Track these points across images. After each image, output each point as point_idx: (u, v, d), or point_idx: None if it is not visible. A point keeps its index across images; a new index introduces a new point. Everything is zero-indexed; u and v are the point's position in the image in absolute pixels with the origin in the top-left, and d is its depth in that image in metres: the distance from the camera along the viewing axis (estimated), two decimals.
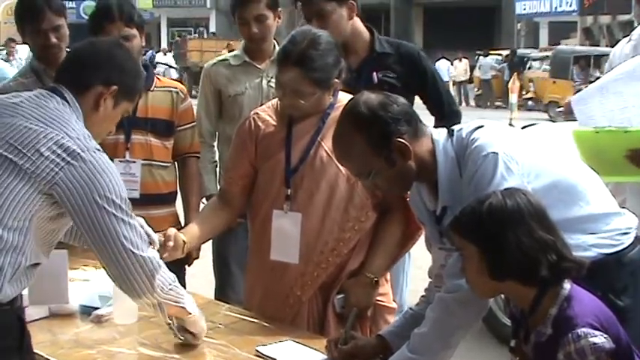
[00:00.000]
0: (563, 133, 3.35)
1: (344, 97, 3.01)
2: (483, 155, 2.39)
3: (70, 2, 40.74)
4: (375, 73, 3.64)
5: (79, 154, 2.27)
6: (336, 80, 3.01)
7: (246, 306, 3.23)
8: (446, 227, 2.27)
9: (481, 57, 26.63)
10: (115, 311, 2.95)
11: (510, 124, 9.28)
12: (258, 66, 4.04)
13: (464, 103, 25.92)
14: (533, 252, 2.11)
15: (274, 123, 3.12)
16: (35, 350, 2.54)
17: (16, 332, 2.36)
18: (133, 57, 2.63)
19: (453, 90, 27.69)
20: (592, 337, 2.00)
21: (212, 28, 36.76)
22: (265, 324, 2.96)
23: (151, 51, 28.86)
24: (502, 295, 2.79)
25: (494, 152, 2.38)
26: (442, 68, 27.47)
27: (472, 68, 27.24)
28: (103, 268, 2.43)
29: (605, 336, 2.02)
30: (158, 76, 3.92)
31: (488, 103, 25.83)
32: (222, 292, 4.08)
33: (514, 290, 2.19)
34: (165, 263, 2.86)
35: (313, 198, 3.01)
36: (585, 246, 2.48)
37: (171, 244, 2.94)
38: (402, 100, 2.56)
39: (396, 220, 3.06)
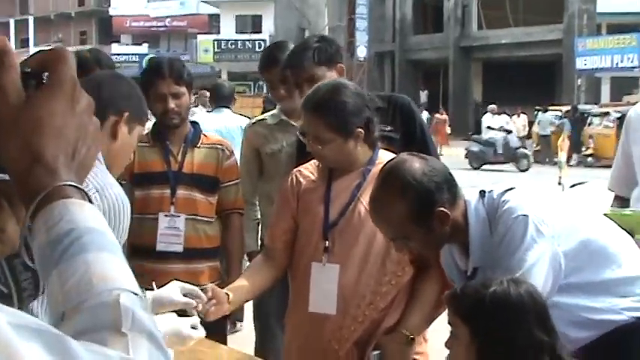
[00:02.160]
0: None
1: (385, 155, 3.09)
2: (514, 217, 2.40)
3: (134, 57, 41.84)
4: None
5: (97, 192, 2.28)
6: (359, 129, 3.05)
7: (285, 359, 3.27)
8: (445, 296, 2.26)
9: (540, 112, 26.53)
10: None
11: (559, 183, 9.29)
12: (294, 123, 4.11)
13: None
14: (527, 351, 2.06)
15: (314, 179, 3.20)
16: None
17: None
18: (132, 83, 2.72)
19: None
20: None
21: None
22: None
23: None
24: None
25: (524, 215, 2.40)
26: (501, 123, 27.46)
27: (531, 124, 27.12)
28: None
29: None
30: (205, 134, 4.01)
31: (547, 159, 25.66)
32: (262, 348, 4.11)
33: None
34: (211, 321, 2.93)
35: (351, 251, 3.06)
36: (617, 309, 2.47)
37: (209, 295, 2.96)
38: (440, 164, 2.59)
39: (434, 278, 3.06)
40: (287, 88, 4.00)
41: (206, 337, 3.29)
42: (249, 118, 6.52)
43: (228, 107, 7.41)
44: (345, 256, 3.07)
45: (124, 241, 2.41)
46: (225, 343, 3.83)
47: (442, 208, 2.47)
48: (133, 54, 43.57)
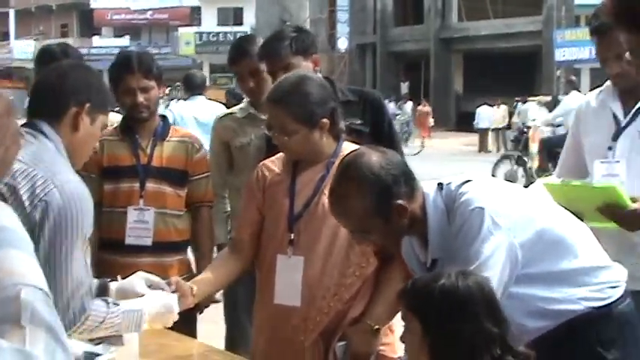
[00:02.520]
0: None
1: (349, 147, 3.11)
2: (470, 209, 2.43)
3: (115, 49, 41.60)
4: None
5: (55, 187, 2.32)
6: (324, 120, 3.08)
7: (253, 351, 3.30)
8: (398, 291, 2.28)
9: (519, 103, 26.60)
10: (117, 357, 3.00)
11: (531, 175, 9.35)
12: (263, 117, 4.11)
13: (502, 149, 25.81)
14: (476, 343, 2.09)
15: (280, 172, 3.24)
16: None
17: None
18: (94, 72, 2.70)
19: (491, 136, 27.66)
20: None
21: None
22: None
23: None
24: None
25: (480, 207, 2.42)
26: (483, 114, 27.47)
27: (511, 115, 27.19)
28: None
29: None
30: (174, 127, 4.01)
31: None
32: (232, 340, 4.13)
33: None
34: (179, 313, 2.93)
35: (315, 243, 3.09)
36: (574, 299, 2.51)
37: (172, 288, 2.99)
38: (398, 157, 2.62)
39: (398, 269, 3.08)
40: (256, 81, 4.01)
41: (176, 330, 3.33)
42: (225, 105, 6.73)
43: (201, 94, 7.89)
44: (310, 249, 3.10)
45: (90, 234, 2.42)
46: (194, 335, 3.86)
47: (400, 201, 2.49)
48: (114, 47, 43.14)
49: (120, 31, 48.04)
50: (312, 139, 3.10)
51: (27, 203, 2.28)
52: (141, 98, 3.79)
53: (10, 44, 49.26)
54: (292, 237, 3.13)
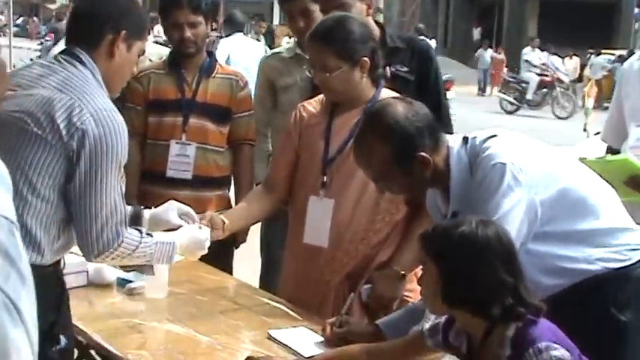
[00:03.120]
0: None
1: (387, 94, 3.14)
2: (492, 165, 2.43)
3: None
4: (387, 68, 3.69)
5: (91, 116, 2.36)
6: (365, 59, 3.11)
7: (282, 289, 3.37)
8: (418, 235, 2.30)
9: (592, 56, 26.00)
10: (146, 285, 3.11)
11: (584, 129, 9.14)
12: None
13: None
14: (489, 290, 2.11)
15: (317, 114, 3.28)
16: None
17: (55, 294, 2.52)
18: None
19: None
20: (553, 349, 2.03)
21: (275, 20, 36.33)
22: (287, 309, 3.07)
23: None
24: None
25: (502, 162, 2.42)
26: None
27: (583, 67, 26.62)
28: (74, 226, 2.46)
29: (565, 350, 2.05)
30: (219, 64, 4.05)
31: (596, 104, 25.20)
32: (267, 277, 4.20)
33: (463, 318, 2.22)
34: (215, 246, 3.04)
35: (347, 187, 3.14)
36: (591, 259, 2.50)
37: (205, 222, 3.07)
38: (425, 109, 2.62)
39: (427, 217, 3.11)
40: (306, 21, 4.00)
41: (211, 263, 3.42)
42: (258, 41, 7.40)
43: (241, 31, 8.91)
44: (341, 192, 3.15)
45: (125, 161, 2.47)
46: (230, 270, 3.95)
47: (423, 153, 2.50)
48: None
49: None
50: (353, 78, 3.12)
51: (64, 132, 2.34)
52: (188, 33, 3.83)
53: None
54: (325, 179, 3.18)
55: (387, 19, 30.45)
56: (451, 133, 2.82)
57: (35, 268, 2.38)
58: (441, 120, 3.78)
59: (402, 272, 3.09)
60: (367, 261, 3.17)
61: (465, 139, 2.57)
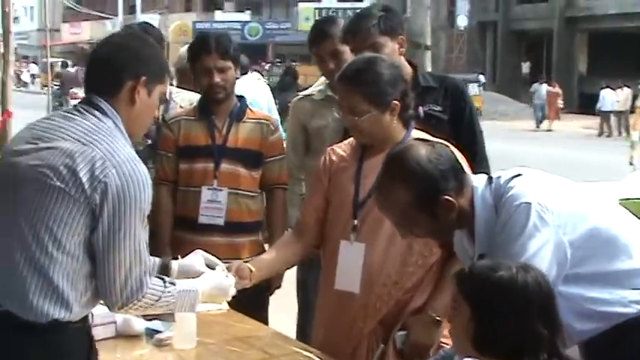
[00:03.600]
0: None
1: (417, 135, 3.08)
2: (516, 205, 2.35)
3: (236, 24, 42.23)
4: (420, 108, 3.62)
5: (114, 168, 2.32)
6: (395, 102, 3.04)
7: (315, 336, 3.31)
8: (454, 272, 2.22)
9: None
10: (174, 336, 3.06)
11: (631, 163, 8.93)
12: None
13: (624, 133, 24.95)
14: (524, 342, 2.02)
15: (348, 158, 3.22)
16: None
17: (85, 350, 2.47)
18: (149, 42, 2.64)
19: (613, 121, 26.74)
20: None
21: None
22: (318, 358, 2.99)
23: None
24: None
25: (527, 202, 2.34)
26: (607, 97, 26.57)
27: (635, 98, 26.22)
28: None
29: None
30: (250, 108, 4.03)
31: None
32: (304, 325, 4.13)
33: None
34: (248, 292, 3.04)
35: (378, 231, 3.07)
36: (625, 302, 2.40)
37: (231, 272, 3.02)
38: (448, 151, 2.55)
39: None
40: (336, 63, 3.96)
41: (246, 312, 3.37)
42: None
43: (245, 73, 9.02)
44: (373, 235, 3.08)
45: (148, 211, 2.41)
46: (265, 319, 3.89)
47: (447, 197, 2.43)
48: (235, 21, 43.87)
49: (241, 5, 48.49)
50: (383, 122, 3.07)
51: (87, 185, 2.29)
52: (217, 79, 3.82)
53: (137, 18, 50.46)
54: (356, 223, 3.12)
55: (435, 55, 30.46)
56: (488, 172, 2.73)
57: (64, 325, 2.38)
58: (477, 158, 3.73)
59: (438, 318, 3.00)
60: (401, 306, 3.08)
61: (490, 179, 2.49)
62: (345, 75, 3.10)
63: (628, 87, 26.60)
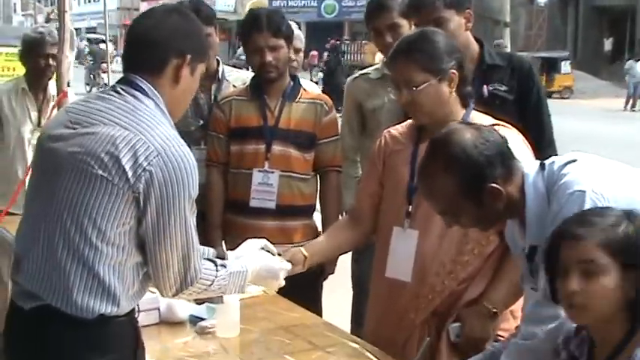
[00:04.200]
0: None
1: (477, 117, 2.92)
2: (569, 193, 2.18)
3: (312, 1, 42.04)
4: (485, 87, 3.43)
5: (158, 153, 2.19)
6: (453, 71, 2.89)
7: (366, 326, 3.20)
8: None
9: None
10: (218, 324, 2.98)
11: None
12: None
13: None
14: None
15: (404, 141, 3.08)
16: None
17: (131, 343, 2.38)
18: (191, 18, 2.46)
19: None
20: None
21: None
22: (365, 350, 2.87)
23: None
24: None
25: (581, 190, 2.17)
26: None
27: None
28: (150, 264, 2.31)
29: None
30: (304, 88, 3.90)
31: None
32: (359, 314, 4.01)
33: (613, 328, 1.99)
34: (300, 278, 2.97)
35: (432, 217, 2.84)
36: None
37: (285, 258, 2.95)
38: (496, 135, 2.38)
39: None
40: (394, 37, 3.80)
41: (298, 297, 3.28)
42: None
43: None
44: (427, 222, 2.93)
45: (196, 194, 2.28)
46: (318, 305, 3.80)
47: (494, 184, 2.27)
48: None
49: None
50: (441, 93, 2.90)
51: (130, 174, 2.16)
52: (269, 57, 3.71)
53: None
54: (409, 209, 2.99)
55: (514, 32, 29.84)
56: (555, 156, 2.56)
57: (110, 319, 2.28)
58: (544, 142, 3.55)
59: (495, 310, 2.86)
60: (455, 297, 2.94)
61: (542, 165, 2.32)
62: (398, 49, 2.94)
63: None
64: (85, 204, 2.18)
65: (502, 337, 2.86)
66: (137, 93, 2.29)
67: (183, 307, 3.09)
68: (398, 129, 3.15)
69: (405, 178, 3.01)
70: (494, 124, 2.78)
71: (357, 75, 4.20)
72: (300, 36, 4.24)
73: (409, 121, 3.10)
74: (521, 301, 2.92)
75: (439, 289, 2.93)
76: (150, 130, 2.21)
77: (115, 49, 35.71)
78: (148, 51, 2.33)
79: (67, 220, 2.20)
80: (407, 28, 3.79)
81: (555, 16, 36.61)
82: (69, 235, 2.20)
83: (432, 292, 2.94)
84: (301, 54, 4.25)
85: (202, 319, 3.04)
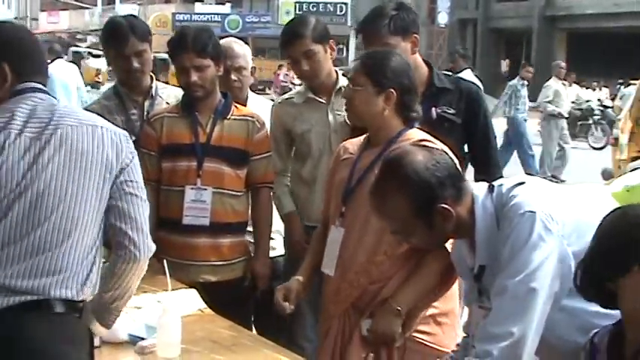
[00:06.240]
0: None
1: (416, 134, 3.06)
2: (520, 214, 2.26)
3: (216, 16, 42.00)
4: (433, 109, 3.53)
5: None
6: (392, 90, 3.06)
7: None
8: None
9: (622, 86, 25.66)
10: (158, 343, 2.94)
11: (619, 167, 8.95)
12: (322, 100, 3.97)
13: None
14: None
15: (352, 151, 3.26)
16: None
17: (88, 346, 2.51)
18: (23, 36, 2.64)
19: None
20: None
21: (352, 46, 36.88)
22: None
23: None
24: None
25: (531, 211, 2.25)
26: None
27: (613, 98, 26.30)
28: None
29: None
30: (236, 105, 3.90)
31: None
32: (292, 330, 4.04)
33: None
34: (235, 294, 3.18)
35: (356, 218, 3.13)
36: None
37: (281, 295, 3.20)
38: (446, 157, 2.46)
39: (438, 259, 2.94)
40: (311, 64, 3.85)
41: (231, 314, 3.29)
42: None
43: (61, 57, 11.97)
44: (351, 222, 3.14)
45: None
46: (249, 319, 3.81)
47: (444, 205, 2.33)
48: (216, 13, 43.59)
49: None
50: (373, 104, 3.08)
51: None
52: (194, 77, 3.69)
53: (116, 8, 50.09)
54: (343, 209, 3.16)
55: None
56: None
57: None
58: (491, 164, 3.67)
59: (399, 308, 2.96)
60: (372, 295, 3.10)
61: (491, 187, 2.40)
62: (363, 54, 3.22)
63: (606, 87, 26.69)
64: None
65: (420, 339, 3.05)
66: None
67: (123, 328, 3.04)
68: (352, 142, 3.32)
69: (345, 180, 3.18)
70: (422, 139, 2.94)
71: (280, 100, 4.22)
72: (244, 54, 4.23)
73: (363, 136, 3.25)
74: (446, 308, 3.12)
75: (355, 284, 3.12)
76: None
77: None
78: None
79: None
80: (322, 54, 3.86)
81: (455, 37, 37.45)
82: None
83: (350, 288, 3.13)
84: (245, 72, 4.22)
85: (142, 339, 3.00)
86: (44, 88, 2.59)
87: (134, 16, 4.40)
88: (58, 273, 2.45)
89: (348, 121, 3.55)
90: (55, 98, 2.62)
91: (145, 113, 3.98)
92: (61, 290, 2.44)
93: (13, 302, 2.39)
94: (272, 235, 3.98)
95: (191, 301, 3.37)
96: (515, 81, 14.69)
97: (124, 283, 2.60)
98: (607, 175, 10.61)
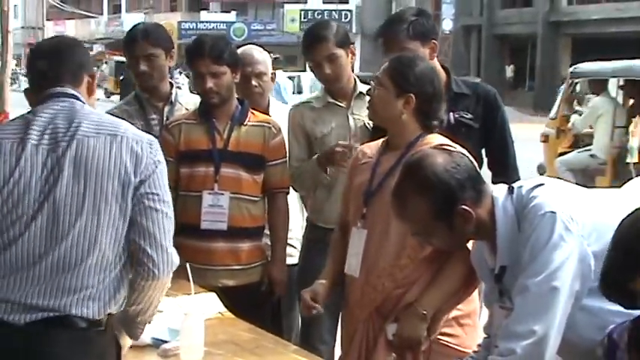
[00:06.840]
0: None
1: (436, 139, 3.10)
2: (540, 214, 2.30)
3: (222, 24, 42.10)
4: (451, 114, 3.57)
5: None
6: (411, 95, 3.09)
7: None
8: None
9: None
10: (181, 347, 2.98)
11: (629, 170, 9.03)
12: (342, 105, 4.01)
13: None
14: None
15: (371, 155, 3.29)
16: None
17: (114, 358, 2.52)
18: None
19: None
20: None
21: (357, 53, 36.89)
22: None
23: None
24: None
25: (552, 211, 2.29)
26: None
27: None
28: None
29: None
30: (253, 111, 3.95)
31: None
32: (306, 331, 4.07)
33: None
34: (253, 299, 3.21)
35: (379, 220, 3.13)
36: None
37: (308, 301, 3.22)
38: (466, 160, 2.50)
39: (461, 261, 2.97)
40: (333, 68, 3.89)
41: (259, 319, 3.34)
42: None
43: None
44: (373, 225, 3.15)
45: None
46: (271, 321, 3.87)
47: (464, 206, 2.37)
48: (221, 22, 43.76)
49: (227, 6, 48.34)
50: (392, 106, 3.12)
51: None
52: (210, 84, 3.74)
53: (122, 17, 50.27)
54: (364, 211, 3.18)
55: None
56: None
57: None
58: (508, 168, 3.71)
59: (424, 312, 2.99)
60: (396, 299, 3.11)
61: (511, 189, 2.44)
62: (395, 57, 3.24)
63: None
64: None
65: (444, 341, 3.07)
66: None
67: (146, 330, 3.07)
68: (370, 145, 3.35)
69: (366, 183, 3.20)
70: (441, 144, 2.96)
71: (298, 104, 4.26)
72: (264, 61, 4.27)
73: (380, 140, 3.29)
74: (468, 310, 3.14)
75: (379, 288, 3.12)
76: None
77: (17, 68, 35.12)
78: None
79: None
80: (344, 58, 3.90)
81: (459, 43, 37.50)
82: None
83: (374, 292, 3.13)
84: (266, 78, 4.26)
85: (165, 342, 3.05)
86: (71, 92, 2.58)
87: (158, 24, 4.46)
88: (79, 291, 2.43)
89: (368, 122, 3.61)
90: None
91: (165, 118, 4.04)
92: (82, 309, 2.44)
93: (35, 318, 2.40)
94: (291, 243, 4.03)
95: (211, 304, 3.42)
96: None
97: (145, 298, 2.59)
98: (541, 171, 11.22)
